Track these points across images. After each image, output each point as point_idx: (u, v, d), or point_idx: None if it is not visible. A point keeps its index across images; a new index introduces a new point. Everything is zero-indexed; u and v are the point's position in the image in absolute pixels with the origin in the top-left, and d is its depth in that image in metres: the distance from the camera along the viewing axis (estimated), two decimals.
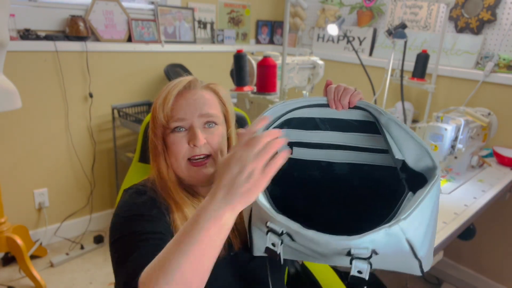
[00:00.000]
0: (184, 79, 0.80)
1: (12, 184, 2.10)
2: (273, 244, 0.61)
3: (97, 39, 2.21)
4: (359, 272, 0.57)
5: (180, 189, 0.80)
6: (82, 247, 2.26)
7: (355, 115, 0.80)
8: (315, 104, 0.79)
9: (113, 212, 0.77)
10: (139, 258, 0.62)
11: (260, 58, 1.63)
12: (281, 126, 0.80)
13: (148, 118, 1.01)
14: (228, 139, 0.85)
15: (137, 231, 0.68)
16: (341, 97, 0.75)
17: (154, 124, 0.78)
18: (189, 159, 0.77)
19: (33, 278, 1.90)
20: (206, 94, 0.79)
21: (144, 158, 1.01)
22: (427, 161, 0.68)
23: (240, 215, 0.85)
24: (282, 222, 0.59)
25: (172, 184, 0.79)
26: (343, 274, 1.57)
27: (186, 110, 0.76)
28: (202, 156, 0.77)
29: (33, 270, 1.91)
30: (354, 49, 2.42)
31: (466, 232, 1.76)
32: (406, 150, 0.71)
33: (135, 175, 1.01)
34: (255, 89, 1.71)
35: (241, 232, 0.85)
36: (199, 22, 2.67)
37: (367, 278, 0.57)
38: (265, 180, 0.52)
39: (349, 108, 0.77)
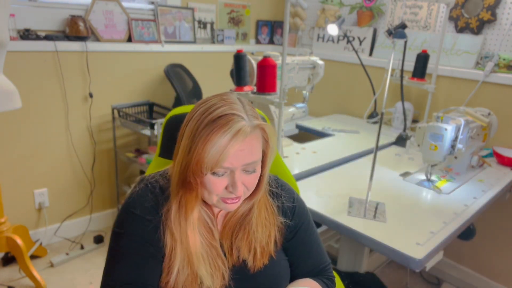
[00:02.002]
0: (237, 125, 0.70)
1: (12, 184, 2.10)
2: None
3: (97, 39, 2.21)
4: None
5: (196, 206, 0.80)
6: (82, 247, 2.26)
7: None
8: None
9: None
10: (115, 277, 0.74)
11: (260, 58, 1.63)
12: None
13: (169, 115, 1.04)
14: (261, 177, 0.81)
15: (122, 243, 0.76)
16: None
17: (191, 161, 0.72)
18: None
19: (33, 278, 1.90)
20: (254, 139, 0.73)
21: (164, 153, 1.05)
22: None
23: (247, 231, 0.84)
24: None
25: (191, 206, 0.78)
26: (343, 274, 1.57)
27: (233, 161, 0.71)
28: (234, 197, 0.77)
29: (33, 270, 1.91)
30: (354, 49, 2.42)
31: (466, 232, 1.76)
32: None
33: (155, 169, 1.05)
34: (255, 89, 1.71)
35: (241, 249, 0.83)
36: (199, 22, 2.67)
37: None
38: None
39: None
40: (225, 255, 0.83)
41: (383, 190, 1.46)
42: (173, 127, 1.02)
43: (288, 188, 0.94)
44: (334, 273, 0.99)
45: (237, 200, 0.77)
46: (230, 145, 0.69)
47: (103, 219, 2.51)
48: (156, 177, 0.83)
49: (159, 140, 1.07)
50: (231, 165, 0.72)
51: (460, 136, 1.49)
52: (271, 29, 3.07)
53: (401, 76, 2.02)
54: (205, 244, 0.79)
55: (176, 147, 0.78)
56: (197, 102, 0.78)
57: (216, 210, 0.85)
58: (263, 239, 0.84)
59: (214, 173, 0.73)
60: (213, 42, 2.76)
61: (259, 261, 0.83)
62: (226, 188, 0.75)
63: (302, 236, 0.92)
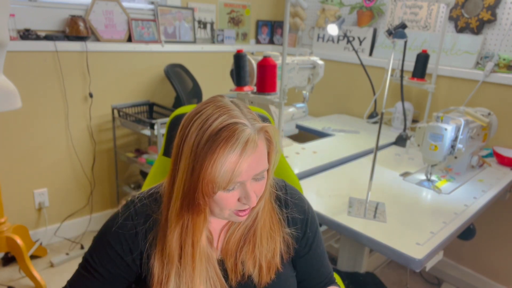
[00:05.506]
0: (243, 136, 0.64)
1: (12, 184, 2.10)
2: None
3: (97, 39, 2.21)
4: None
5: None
6: (82, 247, 2.26)
7: None
8: None
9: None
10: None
11: (260, 58, 1.63)
12: None
13: (173, 114, 1.05)
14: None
15: (90, 261, 0.76)
16: None
17: (199, 182, 0.65)
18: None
19: (33, 278, 1.90)
20: (260, 146, 0.68)
21: (168, 153, 1.07)
22: None
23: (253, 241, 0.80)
24: None
25: (199, 231, 0.73)
26: (343, 274, 1.57)
27: (243, 174, 0.66)
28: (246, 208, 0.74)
29: (33, 270, 1.91)
30: (354, 49, 2.42)
31: (466, 232, 1.76)
32: None
33: (159, 168, 1.07)
34: (255, 89, 1.71)
35: (245, 264, 0.79)
36: (199, 22, 2.67)
37: None
38: None
39: None
40: (227, 273, 0.78)
41: (383, 190, 1.46)
42: (177, 127, 1.04)
43: (298, 196, 0.88)
44: (334, 274, 0.98)
45: (247, 212, 0.73)
46: (242, 160, 0.64)
47: (103, 219, 2.51)
48: (145, 200, 0.78)
49: (163, 139, 1.08)
50: (242, 179, 0.67)
51: (460, 136, 1.49)
52: (271, 29, 3.07)
53: (401, 76, 2.02)
54: (209, 271, 0.75)
55: (172, 168, 0.70)
56: (187, 114, 0.70)
57: (218, 226, 0.81)
58: (268, 252, 0.79)
59: (226, 189, 0.67)
60: (213, 42, 2.76)
61: (266, 276, 0.79)
62: (238, 200, 0.70)
63: (315, 248, 0.88)
